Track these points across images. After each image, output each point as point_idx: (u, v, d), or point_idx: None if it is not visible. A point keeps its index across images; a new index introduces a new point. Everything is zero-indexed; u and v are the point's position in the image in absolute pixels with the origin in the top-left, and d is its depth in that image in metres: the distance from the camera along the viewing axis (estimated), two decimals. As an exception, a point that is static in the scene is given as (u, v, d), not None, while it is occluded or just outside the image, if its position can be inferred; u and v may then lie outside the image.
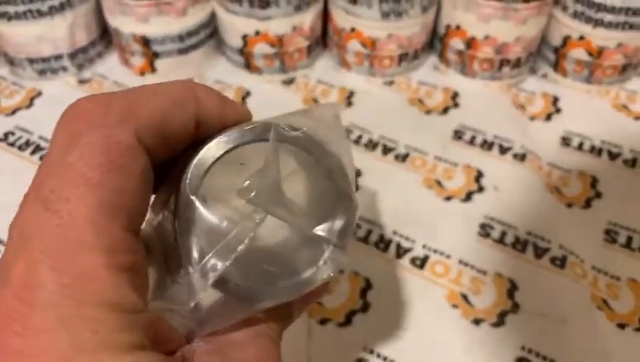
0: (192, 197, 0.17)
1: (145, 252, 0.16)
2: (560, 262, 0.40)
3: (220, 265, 0.17)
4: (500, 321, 0.37)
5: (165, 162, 0.18)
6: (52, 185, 0.14)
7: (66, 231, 0.14)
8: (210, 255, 0.17)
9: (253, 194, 0.18)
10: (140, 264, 0.15)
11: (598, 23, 0.51)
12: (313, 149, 0.20)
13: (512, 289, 0.39)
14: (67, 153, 0.14)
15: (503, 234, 0.42)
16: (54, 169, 0.15)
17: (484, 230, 0.42)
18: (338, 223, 0.20)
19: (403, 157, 0.48)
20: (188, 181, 0.18)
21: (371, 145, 0.49)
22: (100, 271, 0.14)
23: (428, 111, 0.53)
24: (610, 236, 0.42)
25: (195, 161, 0.18)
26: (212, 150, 0.18)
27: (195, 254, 0.17)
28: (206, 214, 0.18)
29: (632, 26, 0.51)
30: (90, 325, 0.14)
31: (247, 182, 0.18)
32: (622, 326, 0.37)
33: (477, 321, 0.37)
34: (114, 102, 0.15)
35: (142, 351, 0.14)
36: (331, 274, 0.20)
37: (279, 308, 0.20)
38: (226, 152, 0.19)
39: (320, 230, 0.20)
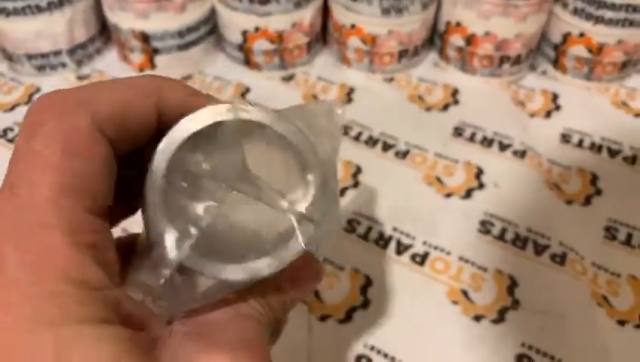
0: (158, 181, 0.18)
1: (110, 233, 0.17)
2: (560, 259, 0.40)
3: (186, 242, 0.18)
4: (500, 318, 0.37)
5: (133, 153, 0.18)
6: (18, 170, 0.16)
7: (29, 212, 0.15)
8: (176, 232, 0.18)
9: (217, 172, 0.18)
10: (104, 243, 0.16)
11: (598, 20, 0.51)
12: (274, 123, 0.20)
13: (512, 285, 0.39)
14: (31, 141, 0.15)
15: (503, 230, 0.42)
16: (20, 156, 0.16)
17: (485, 227, 0.43)
18: (306, 194, 0.20)
19: (403, 154, 0.48)
20: (154, 164, 0.18)
21: (371, 141, 0.49)
22: (62, 249, 0.15)
23: (428, 108, 0.53)
24: (610, 233, 0.42)
25: (161, 146, 0.18)
26: (176, 134, 0.18)
27: (161, 232, 0.17)
28: (172, 194, 0.18)
29: (632, 23, 0.51)
30: (53, 300, 0.14)
31: (212, 162, 0.19)
32: (622, 322, 0.37)
33: (477, 318, 0.37)
34: (73, 94, 0.16)
35: (106, 324, 0.15)
36: (303, 247, 0.19)
37: (266, 293, 0.20)
38: (190, 135, 0.19)
39: (287, 202, 0.20)
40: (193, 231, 0.18)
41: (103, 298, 0.15)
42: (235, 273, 0.18)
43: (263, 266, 0.19)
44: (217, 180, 0.19)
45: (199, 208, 0.18)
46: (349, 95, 0.55)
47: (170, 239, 0.17)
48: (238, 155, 0.19)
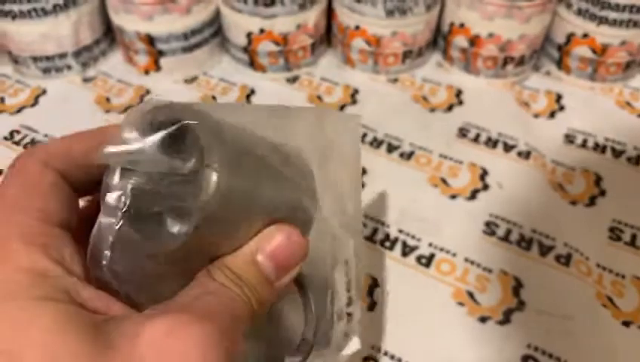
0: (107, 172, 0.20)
1: (66, 236, 0.20)
2: (565, 260, 0.40)
3: (119, 214, 0.20)
4: (505, 319, 0.37)
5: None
6: None
7: None
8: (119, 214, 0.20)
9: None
10: (56, 243, 0.19)
11: (602, 21, 0.51)
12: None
13: (518, 286, 0.39)
14: (2, 186, 0.20)
15: (508, 232, 0.42)
16: None
17: (490, 228, 0.43)
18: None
19: (408, 155, 0.49)
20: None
21: (376, 143, 0.50)
22: (15, 248, 0.18)
23: (432, 109, 0.53)
24: (615, 234, 0.43)
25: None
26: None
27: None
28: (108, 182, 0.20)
29: (636, 24, 0.51)
30: (5, 284, 0.18)
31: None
32: (627, 323, 0.37)
33: (483, 319, 0.37)
34: (31, 150, 0.21)
35: (54, 301, 0.18)
36: (210, 193, 0.19)
37: (241, 270, 0.20)
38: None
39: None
40: (119, 209, 0.20)
41: (53, 283, 0.18)
42: (159, 238, 0.20)
43: (178, 236, 0.20)
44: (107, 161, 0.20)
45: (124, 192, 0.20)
46: (353, 96, 0.55)
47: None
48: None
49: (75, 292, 0.19)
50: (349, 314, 0.28)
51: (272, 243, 0.21)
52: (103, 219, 0.20)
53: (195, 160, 0.20)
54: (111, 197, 0.20)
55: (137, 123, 0.20)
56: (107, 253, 0.20)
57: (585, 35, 0.53)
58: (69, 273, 0.19)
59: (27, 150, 0.22)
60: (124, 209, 0.20)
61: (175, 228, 0.20)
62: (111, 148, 0.20)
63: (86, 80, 0.57)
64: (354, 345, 0.29)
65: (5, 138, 0.51)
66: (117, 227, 0.20)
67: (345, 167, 0.27)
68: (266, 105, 0.25)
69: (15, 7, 0.52)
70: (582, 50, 0.54)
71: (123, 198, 0.20)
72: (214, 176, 0.18)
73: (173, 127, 0.20)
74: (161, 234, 0.20)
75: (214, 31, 0.56)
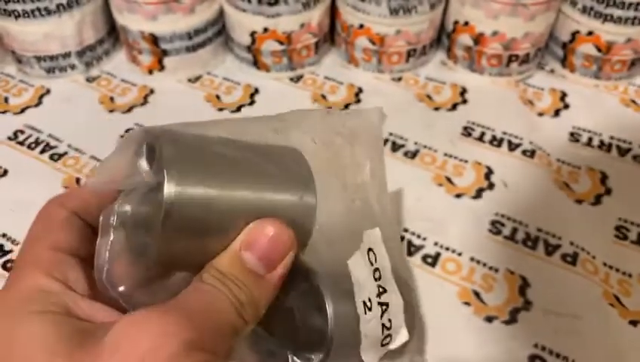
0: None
1: (73, 261, 0.23)
2: (571, 259, 0.40)
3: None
4: (512, 319, 0.37)
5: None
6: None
7: (18, 261, 0.24)
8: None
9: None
10: (59, 266, 0.22)
11: (607, 18, 0.51)
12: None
13: (524, 286, 0.39)
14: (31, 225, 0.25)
15: (514, 231, 0.42)
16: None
17: (495, 227, 0.43)
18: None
19: (413, 154, 0.48)
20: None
21: (381, 142, 0.49)
22: (24, 270, 0.22)
23: (436, 108, 0.53)
24: (621, 232, 0.42)
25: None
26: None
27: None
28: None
29: (641, 21, 0.51)
30: (10, 301, 0.21)
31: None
32: (634, 323, 0.37)
33: (489, 319, 0.37)
34: (56, 197, 0.25)
35: (52, 313, 0.21)
36: (167, 202, 0.20)
37: (230, 269, 0.21)
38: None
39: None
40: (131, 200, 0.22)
41: (51, 298, 0.21)
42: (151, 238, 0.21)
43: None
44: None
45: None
46: (357, 95, 0.55)
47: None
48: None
49: (73, 304, 0.22)
50: (384, 304, 0.26)
51: (253, 236, 0.22)
52: (98, 240, 0.22)
53: (158, 175, 0.21)
54: (104, 218, 0.22)
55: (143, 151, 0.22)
56: (105, 267, 0.22)
57: (590, 33, 0.52)
58: (70, 290, 0.22)
59: (52, 198, 0.25)
60: (114, 225, 0.22)
61: (147, 238, 0.21)
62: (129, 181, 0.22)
63: (89, 79, 0.57)
64: (401, 337, 0.27)
65: (9, 138, 0.51)
66: (109, 241, 0.22)
67: (369, 157, 0.27)
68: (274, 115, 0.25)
69: (18, 7, 0.52)
70: (587, 48, 0.53)
71: (113, 217, 0.22)
72: (167, 188, 0.20)
73: (143, 148, 0.22)
74: (146, 245, 0.21)
75: (218, 30, 0.56)
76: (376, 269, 0.27)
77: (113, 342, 0.19)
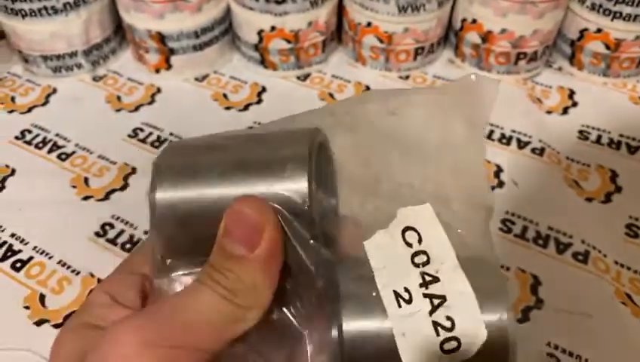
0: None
1: (135, 280, 0.25)
2: (583, 257, 0.40)
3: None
4: (524, 317, 0.37)
5: None
6: None
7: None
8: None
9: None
10: (119, 284, 0.25)
11: (616, 16, 0.51)
12: None
13: (536, 284, 0.39)
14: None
15: (525, 229, 0.42)
16: None
17: (506, 225, 0.42)
18: None
19: (421, 153, 0.48)
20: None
21: (389, 140, 0.49)
22: (96, 298, 0.25)
23: (444, 106, 0.53)
24: (632, 230, 0.42)
25: None
26: None
27: None
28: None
29: (650, 19, 0.50)
30: (82, 316, 0.24)
31: None
32: (646, 321, 0.37)
33: (501, 317, 0.37)
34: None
35: (82, 325, 0.23)
36: (157, 207, 0.22)
37: (220, 267, 0.21)
38: None
39: None
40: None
41: (92, 310, 0.24)
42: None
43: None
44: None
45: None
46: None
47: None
48: None
49: (106, 315, 0.23)
50: (435, 297, 0.20)
51: (228, 220, 0.21)
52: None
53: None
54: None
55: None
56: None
57: (598, 30, 0.52)
58: (116, 303, 0.24)
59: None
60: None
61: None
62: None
63: (96, 79, 0.57)
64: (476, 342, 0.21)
65: (17, 137, 0.50)
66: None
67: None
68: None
69: (25, 6, 0.52)
70: (595, 46, 0.53)
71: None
72: (157, 195, 0.22)
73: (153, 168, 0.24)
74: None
75: (225, 29, 0.56)
76: (419, 253, 0.22)
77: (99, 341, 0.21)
